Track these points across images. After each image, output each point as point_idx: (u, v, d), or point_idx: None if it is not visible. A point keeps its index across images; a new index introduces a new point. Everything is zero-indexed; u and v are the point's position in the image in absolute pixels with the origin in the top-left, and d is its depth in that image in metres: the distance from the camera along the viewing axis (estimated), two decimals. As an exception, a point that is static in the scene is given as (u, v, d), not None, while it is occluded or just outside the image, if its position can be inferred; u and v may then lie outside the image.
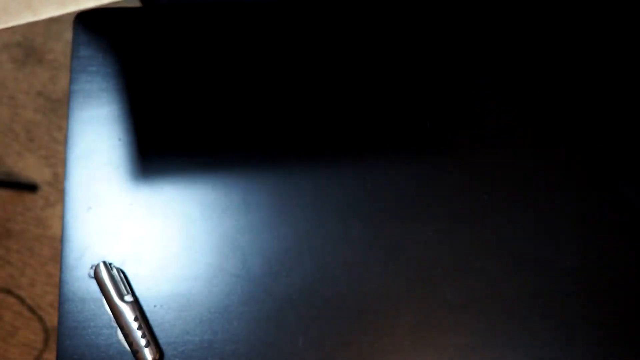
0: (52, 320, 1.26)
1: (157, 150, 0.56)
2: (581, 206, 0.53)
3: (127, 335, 0.50)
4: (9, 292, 1.28)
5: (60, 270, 0.54)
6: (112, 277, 0.51)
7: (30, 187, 1.31)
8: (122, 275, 0.53)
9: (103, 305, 0.52)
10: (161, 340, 0.52)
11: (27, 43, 1.39)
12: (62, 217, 0.56)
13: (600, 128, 0.55)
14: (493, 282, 0.52)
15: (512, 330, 0.51)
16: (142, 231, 0.55)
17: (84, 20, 0.59)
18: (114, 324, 0.51)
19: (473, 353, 0.51)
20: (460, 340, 0.51)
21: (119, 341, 0.52)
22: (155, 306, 0.53)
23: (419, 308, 0.52)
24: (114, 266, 0.53)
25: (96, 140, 0.57)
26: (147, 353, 0.50)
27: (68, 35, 1.34)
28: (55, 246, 1.29)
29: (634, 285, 0.51)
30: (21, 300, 1.27)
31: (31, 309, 1.27)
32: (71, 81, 0.58)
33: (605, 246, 0.52)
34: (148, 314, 0.53)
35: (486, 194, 0.54)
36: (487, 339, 0.51)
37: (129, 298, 0.51)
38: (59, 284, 0.54)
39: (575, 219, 0.53)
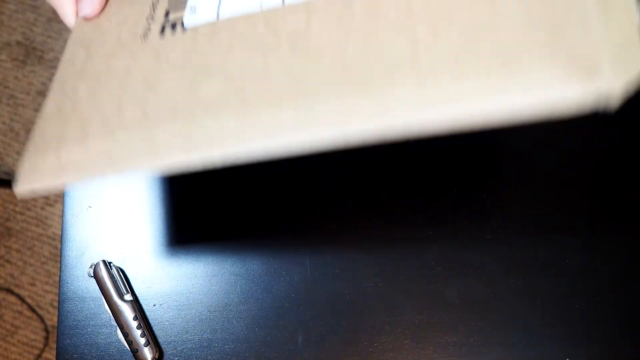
0: (52, 319, 1.26)
1: (157, 149, 0.56)
2: (581, 205, 0.53)
3: (127, 334, 0.50)
4: (9, 291, 1.28)
5: (60, 269, 0.54)
6: (111, 276, 0.51)
7: (30, 186, 1.31)
8: (121, 274, 0.53)
9: (103, 304, 0.52)
10: (161, 339, 0.52)
11: (27, 42, 1.39)
12: (62, 216, 0.56)
13: (600, 127, 0.55)
14: (493, 282, 0.52)
15: (512, 330, 0.51)
16: (142, 231, 0.55)
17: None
18: (114, 323, 0.51)
19: (473, 353, 0.51)
20: (460, 339, 0.51)
21: (118, 340, 0.52)
22: (154, 305, 0.53)
23: (418, 308, 0.52)
24: (114, 265, 0.53)
25: (96, 139, 0.57)
26: (147, 352, 0.50)
27: (68, 34, 1.34)
28: (55, 245, 1.29)
29: (635, 285, 0.51)
30: (21, 299, 1.27)
31: (31, 308, 1.27)
32: (71, 80, 0.58)
33: (605, 246, 0.52)
34: (147, 313, 0.53)
35: (486, 193, 0.54)
36: (487, 339, 0.51)
37: (128, 297, 0.51)
38: (59, 283, 0.54)
39: (575, 218, 0.53)
